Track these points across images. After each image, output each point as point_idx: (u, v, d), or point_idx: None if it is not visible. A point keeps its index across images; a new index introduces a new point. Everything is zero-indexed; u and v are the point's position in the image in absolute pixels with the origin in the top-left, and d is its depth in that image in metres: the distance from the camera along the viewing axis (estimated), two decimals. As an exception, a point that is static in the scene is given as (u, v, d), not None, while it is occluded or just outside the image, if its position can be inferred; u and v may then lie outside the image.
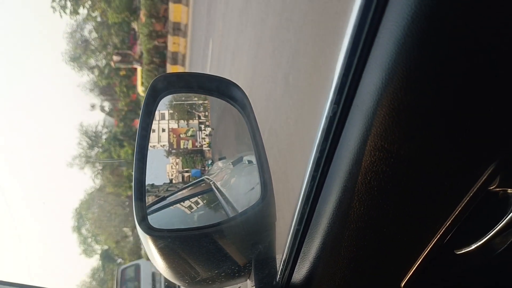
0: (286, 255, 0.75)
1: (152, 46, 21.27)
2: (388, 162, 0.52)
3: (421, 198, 0.55)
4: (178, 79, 1.05)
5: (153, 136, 1.08)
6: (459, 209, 0.56)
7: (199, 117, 1.25)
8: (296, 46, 4.90)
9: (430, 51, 0.42)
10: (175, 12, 18.31)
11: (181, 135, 1.21)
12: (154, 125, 1.08)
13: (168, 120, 1.17)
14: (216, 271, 0.90)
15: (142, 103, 1.01)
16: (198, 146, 1.21)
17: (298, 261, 0.74)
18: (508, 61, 0.43)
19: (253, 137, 1.02)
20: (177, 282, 0.97)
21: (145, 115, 1.00)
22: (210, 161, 1.23)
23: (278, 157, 4.71)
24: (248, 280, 0.96)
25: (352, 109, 0.52)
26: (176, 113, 1.22)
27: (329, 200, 0.61)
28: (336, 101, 0.52)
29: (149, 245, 0.93)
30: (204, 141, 1.22)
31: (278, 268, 0.84)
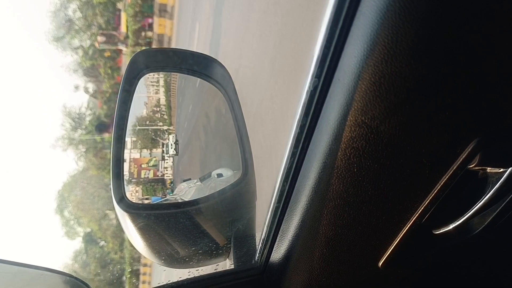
0: (265, 234, 0.75)
1: (137, 28, 20.93)
2: (368, 138, 0.51)
3: (400, 175, 0.54)
4: (159, 54, 1.02)
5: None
6: (438, 187, 0.55)
7: (163, 145, 1.24)
8: (283, 30, 4.85)
9: (414, 22, 0.41)
10: (162, -7, 18.03)
11: (143, 165, 1.19)
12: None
13: (130, 149, 1.15)
14: (194, 248, 0.89)
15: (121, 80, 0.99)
16: (160, 176, 1.21)
17: (277, 239, 0.73)
18: (491, 38, 0.42)
19: (235, 119, 1.00)
20: (156, 261, 0.96)
21: (124, 92, 0.98)
22: (170, 189, 1.23)
23: (263, 142, 4.70)
24: (227, 259, 0.95)
25: (333, 83, 0.51)
26: (140, 141, 1.20)
27: (309, 177, 0.60)
28: (317, 75, 0.51)
29: (127, 224, 0.92)
30: (166, 170, 1.21)
31: (257, 247, 0.83)
